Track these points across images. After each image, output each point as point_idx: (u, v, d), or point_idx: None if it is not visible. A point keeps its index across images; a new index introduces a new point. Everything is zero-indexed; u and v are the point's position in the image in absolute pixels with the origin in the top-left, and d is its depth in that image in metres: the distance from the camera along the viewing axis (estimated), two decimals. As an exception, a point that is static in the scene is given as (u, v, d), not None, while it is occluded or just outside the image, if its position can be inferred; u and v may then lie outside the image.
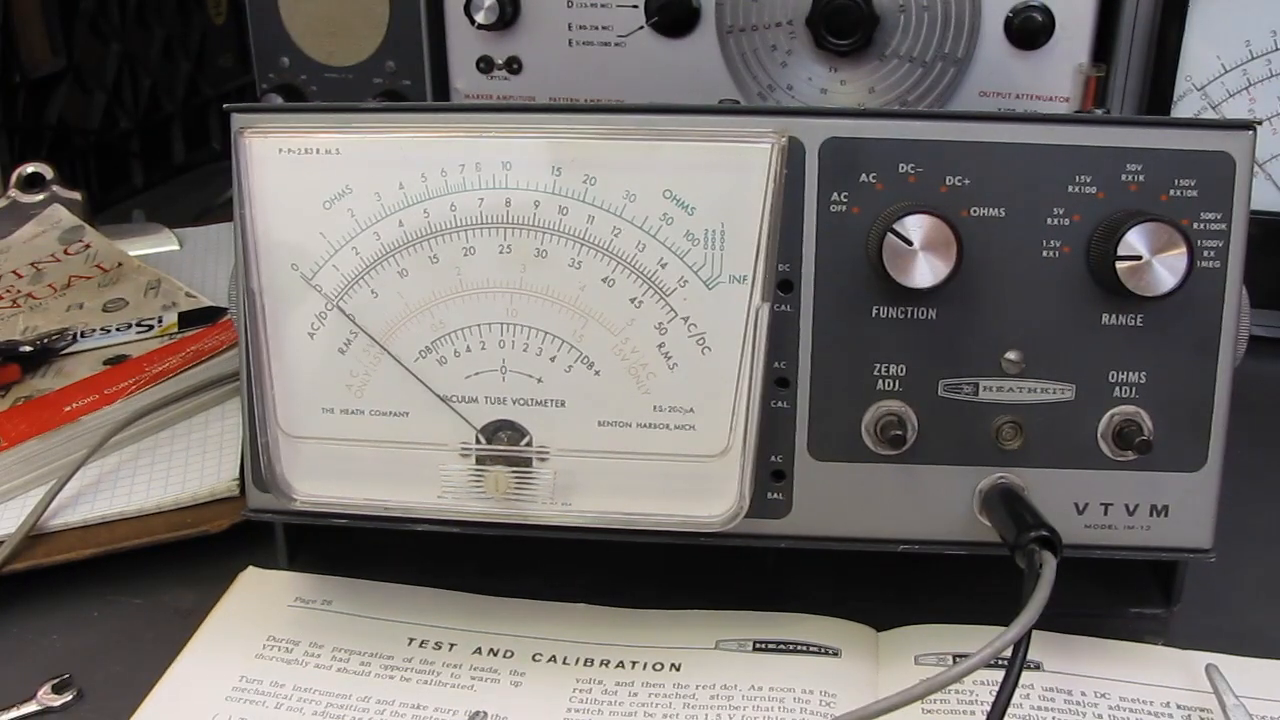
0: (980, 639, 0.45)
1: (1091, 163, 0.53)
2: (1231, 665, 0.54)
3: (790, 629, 0.57)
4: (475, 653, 0.57)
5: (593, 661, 0.56)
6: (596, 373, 0.54)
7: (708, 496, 0.54)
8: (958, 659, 0.53)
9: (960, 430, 0.54)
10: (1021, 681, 0.46)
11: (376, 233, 0.54)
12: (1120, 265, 0.51)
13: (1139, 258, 0.51)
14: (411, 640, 0.57)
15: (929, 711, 0.52)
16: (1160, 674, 0.55)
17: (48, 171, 1.00)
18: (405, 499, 0.56)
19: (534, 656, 0.56)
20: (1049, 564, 0.48)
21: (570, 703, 0.54)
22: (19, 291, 0.86)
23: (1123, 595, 0.60)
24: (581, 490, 0.55)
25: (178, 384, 0.73)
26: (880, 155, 0.53)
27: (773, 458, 0.55)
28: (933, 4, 0.82)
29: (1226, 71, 0.82)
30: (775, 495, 0.56)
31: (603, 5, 0.87)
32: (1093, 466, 0.54)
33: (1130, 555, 0.56)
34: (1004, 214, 0.53)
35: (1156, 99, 0.83)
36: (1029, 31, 0.81)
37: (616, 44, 0.88)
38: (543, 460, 0.55)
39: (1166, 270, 0.51)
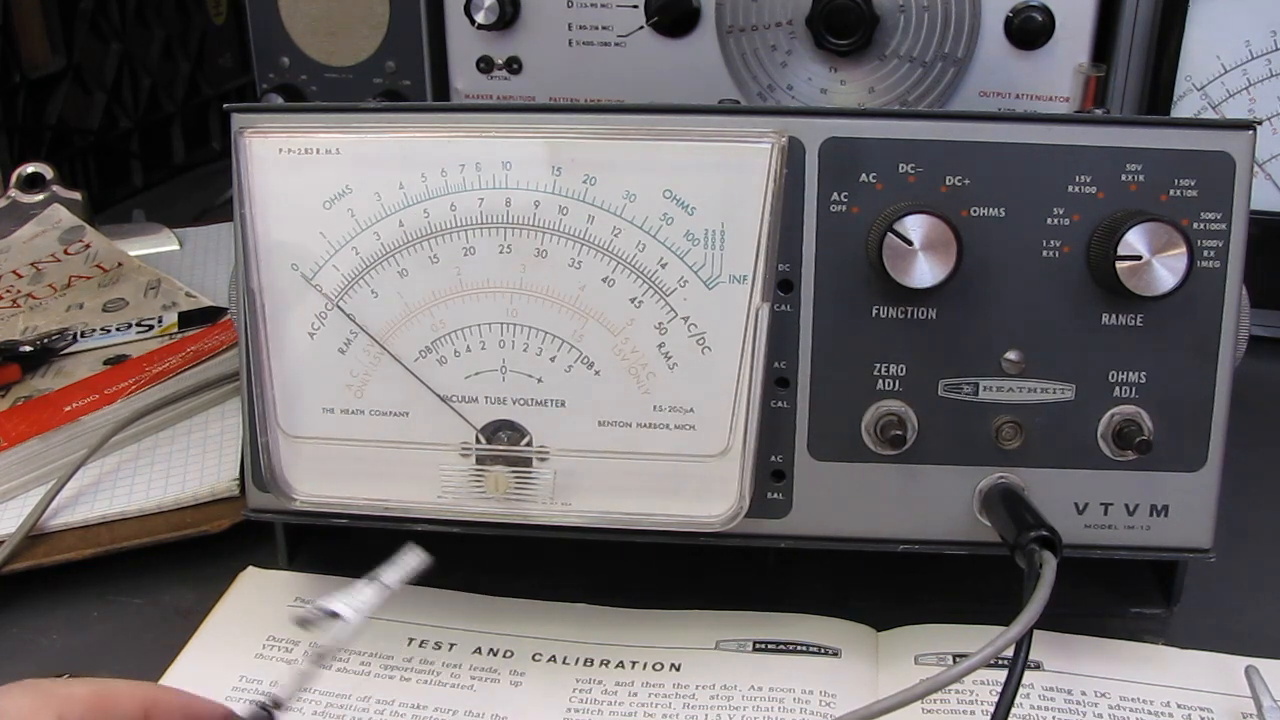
0: (980, 639, 0.45)
1: (1091, 163, 0.52)
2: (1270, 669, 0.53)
3: (790, 629, 0.57)
4: (475, 653, 0.57)
5: (593, 661, 0.56)
6: (596, 373, 0.54)
7: (708, 496, 0.54)
8: (958, 659, 0.53)
9: (960, 430, 0.54)
10: (1021, 681, 0.46)
11: (376, 233, 0.54)
12: (1120, 265, 0.51)
13: (1139, 258, 0.51)
14: (411, 640, 0.57)
15: (929, 711, 0.52)
16: (1160, 674, 0.55)
17: (48, 171, 1.00)
18: (405, 499, 0.56)
19: (534, 656, 0.56)
20: (1049, 564, 0.48)
21: (570, 703, 0.54)
22: (19, 291, 0.86)
23: (1123, 595, 0.60)
24: (581, 490, 0.55)
25: (178, 384, 0.73)
26: (880, 155, 0.53)
27: (773, 458, 0.55)
28: (933, 4, 0.82)
29: (1226, 71, 0.82)
30: (775, 495, 0.56)
31: (603, 5, 0.87)
32: (1093, 466, 0.54)
33: (1130, 555, 0.56)
34: (1004, 214, 0.53)
35: (1156, 99, 0.83)
36: (1029, 31, 0.81)
37: (616, 44, 0.88)
38: (543, 460, 0.55)
39: (1166, 270, 0.51)
